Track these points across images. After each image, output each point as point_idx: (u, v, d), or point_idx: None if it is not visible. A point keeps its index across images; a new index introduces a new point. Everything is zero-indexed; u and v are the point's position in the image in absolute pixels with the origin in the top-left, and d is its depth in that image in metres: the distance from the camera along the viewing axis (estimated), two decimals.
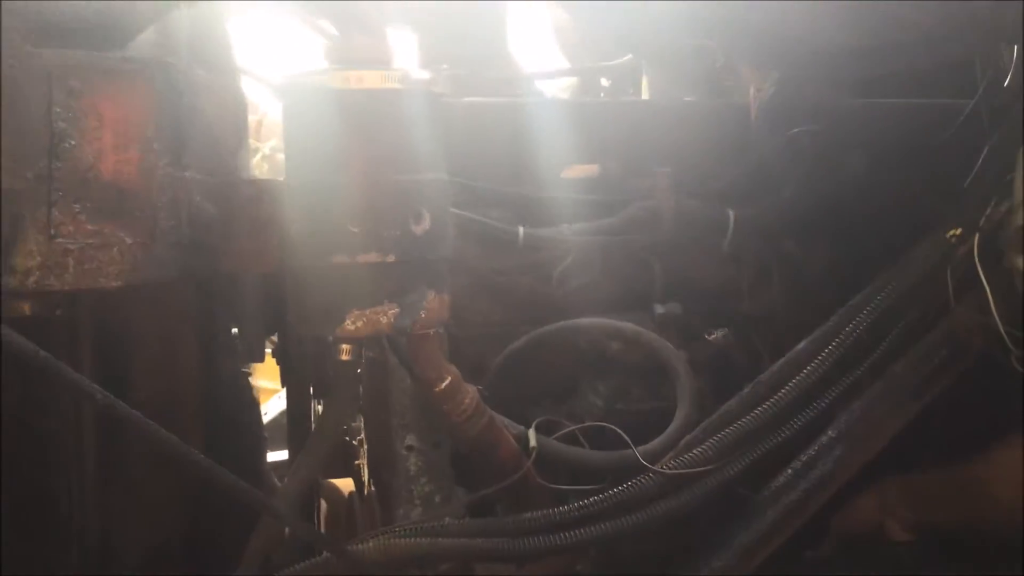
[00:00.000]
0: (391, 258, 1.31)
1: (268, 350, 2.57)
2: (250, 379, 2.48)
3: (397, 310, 1.32)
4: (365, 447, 2.34)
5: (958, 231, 1.55)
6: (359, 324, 1.31)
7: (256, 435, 2.26)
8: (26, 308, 1.20)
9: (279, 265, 1.40)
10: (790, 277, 2.10)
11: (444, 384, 1.46)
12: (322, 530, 2.27)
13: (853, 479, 1.67)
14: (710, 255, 2.08)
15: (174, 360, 1.61)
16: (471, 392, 1.50)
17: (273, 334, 2.29)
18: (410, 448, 1.78)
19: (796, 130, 2.04)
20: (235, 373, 2.16)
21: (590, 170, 2.09)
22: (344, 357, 1.42)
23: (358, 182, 1.29)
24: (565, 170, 2.09)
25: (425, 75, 1.33)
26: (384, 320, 1.32)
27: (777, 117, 2.09)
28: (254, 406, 2.31)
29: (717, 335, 2.01)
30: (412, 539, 1.46)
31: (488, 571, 1.59)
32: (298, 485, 1.41)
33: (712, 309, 2.06)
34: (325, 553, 1.45)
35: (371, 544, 1.46)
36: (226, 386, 2.06)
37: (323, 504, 2.30)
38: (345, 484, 2.42)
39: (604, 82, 2.84)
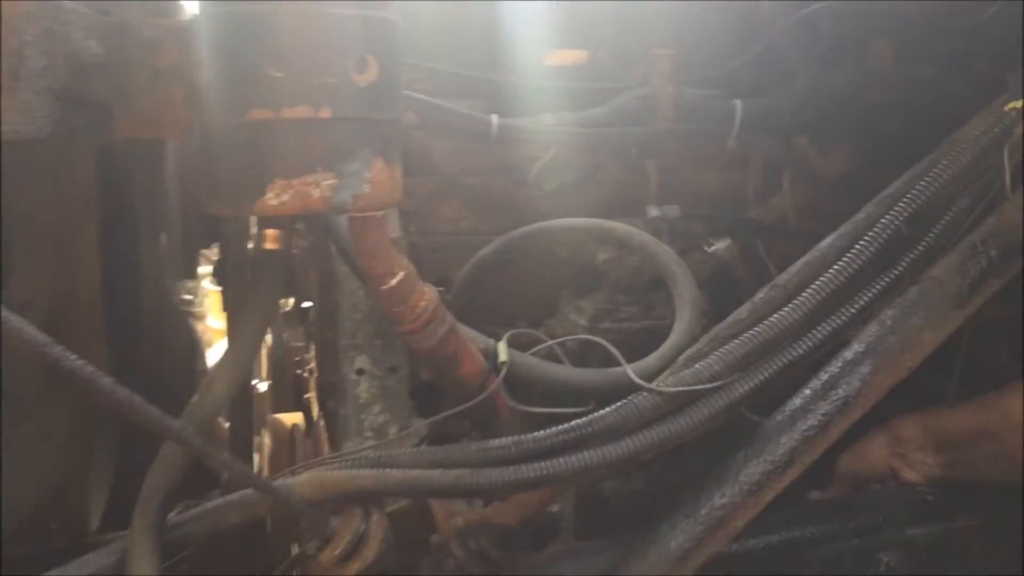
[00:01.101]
0: (325, 113, 1.03)
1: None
2: (187, 307, 2.22)
3: (334, 181, 1.05)
4: (315, 375, 2.10)
5: (1019, 103, 1.28)
6: (284, 198, 1.04)
7: (190, 370, 2.01)
8: None
9: (186, 129, 1.12)
10: (803, 181, 1.84)
11: (395, 280, 1.19)
12: (264, 470, 2.02)
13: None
14: (712, 153, 1.81)
15: (67, 255, 1.33)
16: (429, 293, 1.24)
17: (212, 244, 2.01)
18: (361, 372, 1.53)
19: (812, 7, 1.76)
20: (160, 289, 1.89)
21: (577, 56, 1.81)
22: (269, 244, 1.16)
23: (283, 11, 1.01)
24: (548, 56, 1.81)
25: None
26: (316, 193, 1.04)
27: None
28: (186, 335, 2.05)
29: (718, 246, 1.76)
30: (353, 471, 1.20)
31: (446, 510, 1.34)
32: (210, 405, 1.15)
33: (714, 216, 1.80)
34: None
35: (303, 477, 1.20)
36: (147, 302, 1.79)
37: (267, 441, 2.05)
38: (295, 419, 2.17)
39: None
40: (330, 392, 1.69)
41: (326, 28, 1.02)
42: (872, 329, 1.32)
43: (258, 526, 1.39)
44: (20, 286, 1.28)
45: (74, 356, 0.98)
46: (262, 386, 2.53)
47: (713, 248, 1.76)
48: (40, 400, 1.34)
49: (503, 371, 1.32)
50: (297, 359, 2.48)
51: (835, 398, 1.30)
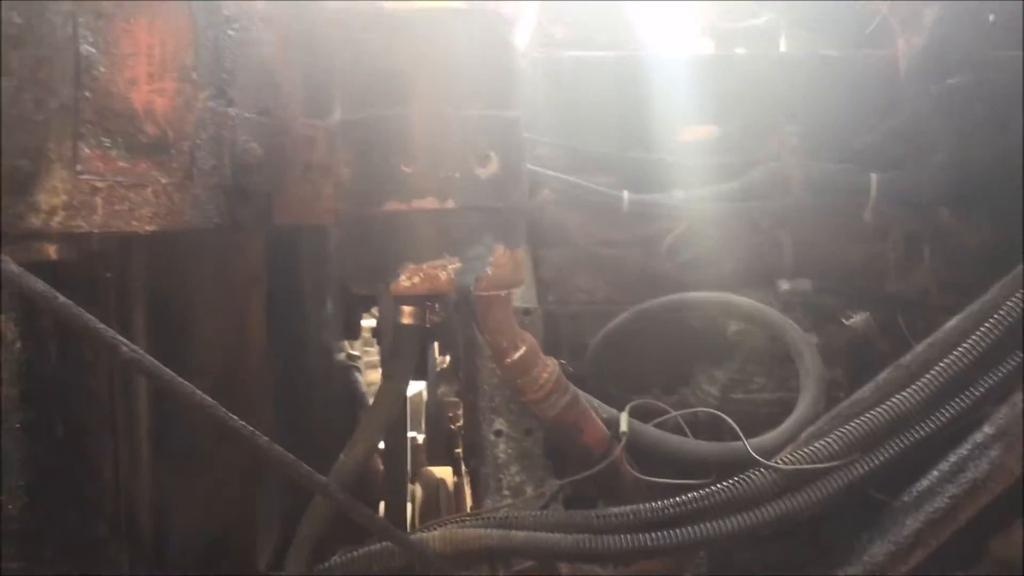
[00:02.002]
0: (450, 204, 1.14)
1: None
2: (355, 362, 2.39)
3: (459, 265, 1.15)
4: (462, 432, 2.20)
5: None
6: (415, 280, 1.15)
7: (352, 417, 2.16)
8: (52, 251, 1.09)
9: (334, 216, 1.26)
10: (944, 254, 1.80)
11: (517, 355, 1.27)
12: (417, 519, 2.13)
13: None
14: (849, 227, 1.81)
15: (238, 325, 1.49)
16: (550, 366, 1.31)
17: (372, 308, 2.18)
18: (499, 433, 1.61)
19: (952, 81, 1.74)
20: (326, 349, 2.05)
21: (709, 132, 1.86)
22: (405, 320, 1.27)
23: (414, 117, 1.13)
24: (681, 132, 1.86)
25: None
26: (443, 276, 1.15)
27: (930, 69, 1.80)
28: (351, 388, 2.20)
29: (856, 319, 1.75)
30: (482, 530, 1.28)
31: (575, 571, 1.40)
32: (353, 463, 1.26)
33: (851, 289, 1.79)
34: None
35: (437, 533, 1.29)
36: (312, 359, 1.96)
37: (418, 492, 2.17)
38: (444, 473, 2.28)
39: (740, 52, 2.60)
40: (472, 451, 1.78)
41: (451, 128, 1.14)
42: (1003, 412, 1.30)
43: None
44: (196, 354, 1.45)
45: (235, 418, 1.11)
46: (419, 438, 2.67)
47: (851, 322, 1.75)
48: (213, 451, 1.49)
49: (623, 441, 1.37)
50: (451, 414, 2.60)
51: (963, 481, 1.28)
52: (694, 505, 1.27)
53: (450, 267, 1.15)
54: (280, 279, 1.76)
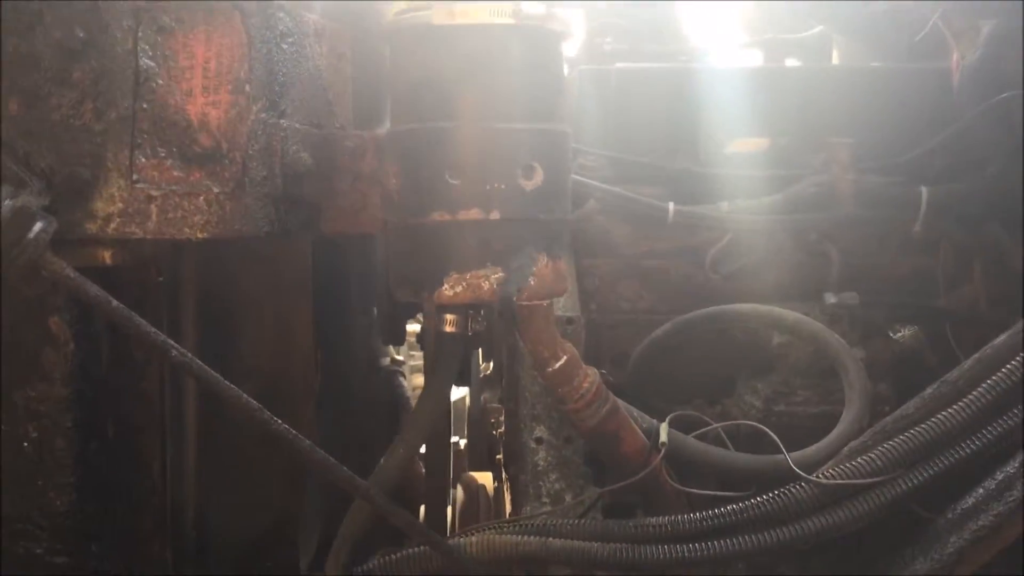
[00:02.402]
0: (495, 215, 1.16)
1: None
2: (399, 367, 2.42)
3: (501, 275, 1.17)
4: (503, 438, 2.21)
5: None
6: (458, 289, 1.17)
7: (395, 420, 2.18)
8: (106, 256, 1.13)
9: (381, 225, 1.29)
10: (996, 269, 1.77)
11: (558, 364, 1.29)
12: (457, 523, 2.15)
13: None
14: (898, 240, 1.79)
15: (285, 330, 1.53)
16: (591, 375, 1.32)
17: (417, 314, 2.20)
18: (539, 441, 1.63)
19: (1008, 94, 1.72)
20: (371, 354, 2.09)
21: (759, 144, 1.85)
22: (448, 328, 1.29)
23: (460, 129, 1.15)
24: (730, 144, 1.86)
25: (541, 9, 1.17)
26: (486, 286, 1.17)
27: (984, 82, 1.78)
28: (395, 392, 2.23)
29: (904, 333, 1.73)
30: (520, 537, 1.30)
31: None
32: (394, 467, 1.28)
33: (900, 303, 1.78)
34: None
35: (475, 538, 1.31)
36: (359, 363, 1.99)
37: (459, 497, 2.19)
38: (485, 478, 2.30)
39: (791, 62, 2.59)
40: (512, 457, 1.80)
41: (497, 141, 1.15)
42: None
43: None
44: (243, 358, 1.48)
45: (278, 420, 1.13)
46: (462, 443, 2.69)
47: (898, 336, 1.73)
48: (258, 453, 1.53)
49: (663, 451, 1.37)
50: (493, 420, 2.61)
51: (1009, 499, 1.27)
52: (733, 518, 1.27)
53: (493, 277, 1.17)
54: (327, 286, 1.79)
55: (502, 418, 2.56)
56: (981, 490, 1.29)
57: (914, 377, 1.78)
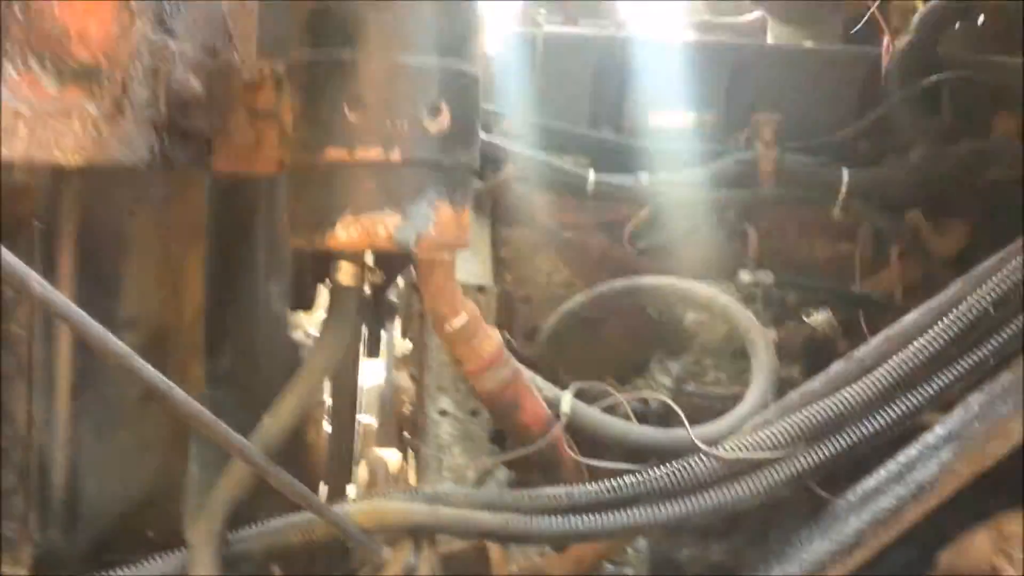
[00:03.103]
0: (396, 156, 1.08)
1: None
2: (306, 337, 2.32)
3: (399, 220, 1.10)
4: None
5: None
6: (352, 232, 1.09)
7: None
8: None
9: (280, 166, 1.21)
10: (914, 257, 1.76)
11: (458, 322, 1.22)
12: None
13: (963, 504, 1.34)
14: (818, 223, 1.77)
15: (173, 279, 1.43)
16: (493, 337, 1.26)
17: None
18: (443, 413, 1.57)
19: (935, 77, 1.71)
20: (276, 318, 1.99)
21: (684, 118, 1.82)
22: (342, 278, 1.21)
23: (363, 61, 1.08)
24: (655, 117, 1.82)
25: None
26: (382, 231, 1.09)
27: (912, 68, 1.77)
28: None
29: (817, 316, 1.71)
30: (409, 505, 1.23)
31: (503, 556, 1.35)
32: (277, 428, 1.20)
33: (815, 286, 1.76)
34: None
35: (361, 505, 1.24)
36: (261, 328, 1.90)
37: (363, 474, 2.11)
38: (393, 455, 2.23)
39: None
40: (414, 431, 1.73)
41: (403, 77, 1.08)
42: (957, 414, 1.25)
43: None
44: (127, 304, 1.39)
45: (148, 366, 1.05)
46: (367, 419, 2.61)
47: (811, 319, 1.71)
48: (137, 409, 1.43)
49: (562, 421, 1.32)
50: (404, 399, 2.54)
51: (911, 482, 1.24)
52: (630, 490, 1.22)
53: (390, 221, 1.09)
54: (229, 235, 1.70)
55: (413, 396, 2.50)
56: (883, 472, 1.26)
57: (825, 362, 1.77)
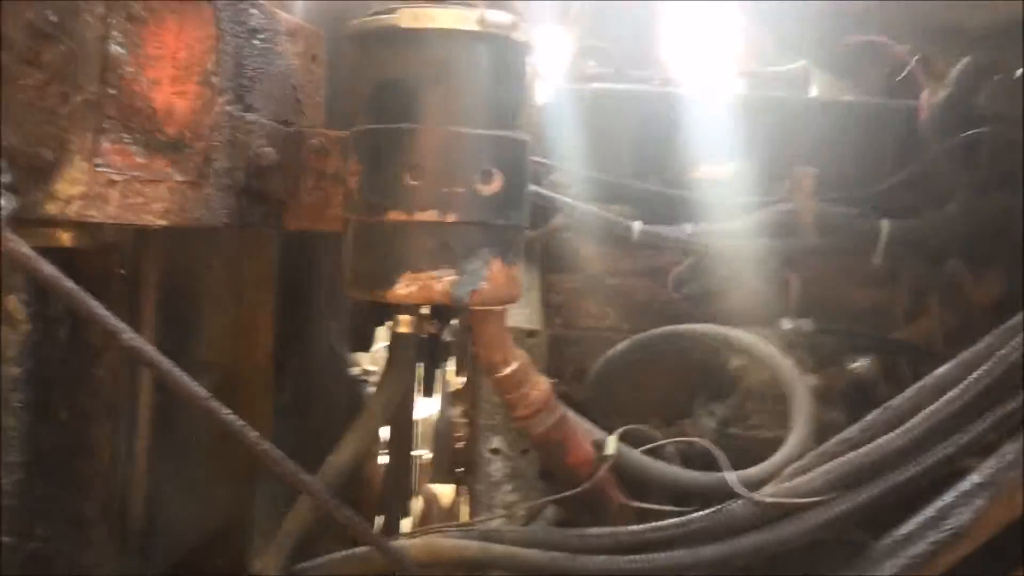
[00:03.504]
0: (451, 218, 1.18)
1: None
2: (365, 375, 2.42)
3: (455, 277, 1.19)
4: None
5: None
6: (412, 289, 1.19)
7: None
8: (66, 239, 1.15)
9: (344, 224, 1.31)
10: (953, 305, 1.80)
11: (509, 370, 1.30)
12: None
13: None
14: (858, 271, 1.82)
15: (245, 326, 1.54)
16: (542, 384, 1.34)
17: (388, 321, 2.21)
18: (495, 452, 1.64)
19: (972, 131, 1.75)
20: (337, 360, 2.09)
21: (726, 170, 1.88)
22: (401, 328, 1.31)
23: (422, 131, 1.17)
24: (697, 169, 1.89)
25: (507, 18, 1.20)
26: (439, 287, 1.19)
27: (950, 121, 1.82)
28: (361, 404, 2.24)
29: (859, 364, 1.75)
30: (461, 542, 1.31)
31: None
32: (339, 465, 1.30)
33: (857, 333, 1.80)
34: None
35: (417, 540, 1.32)
36: (322, 373, 2.00)
37: (418, 507, 2.19)
38: (448, 490, 2.30)
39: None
40: (469, 468, 1.81)
41: (457, 145, 1.18)
42: (991, 462, 1.30)
43: None
44: (203, 348, 1.49)
45: (223, 408, 1.14)
46: (426, 455, 2.69)
47: (853, 366, 1.75)
48: (212, 446, 1.53)
49: (608, 463, 1.39)
50: (458, 434, 2.62)
51: (946, 528, 1.29)
52: (672, 531, 1.28)
53: (446, 279, 1.19)
54: (295, 284, 1.80)
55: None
56: (920, 517, 1.31)
57: (867, 408, 1.81)
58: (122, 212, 1.14)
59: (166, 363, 1.12)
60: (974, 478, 1.30)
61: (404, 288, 1.19)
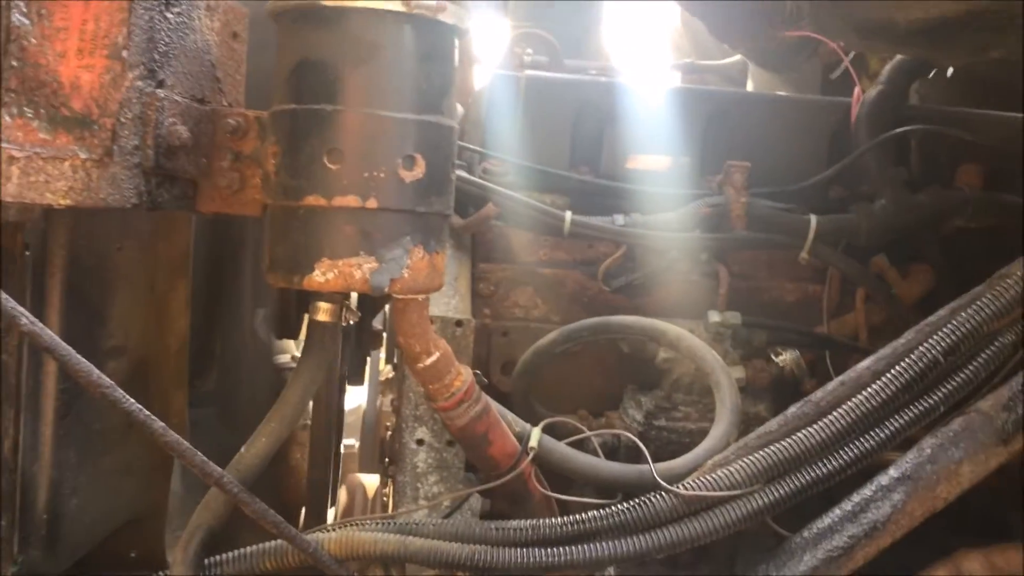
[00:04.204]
0: (372, 204, 1.14)
1: None
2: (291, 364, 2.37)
3: (375, 265, 1.15)
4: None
5: None
6: (330, 276, 1.15)
7: None
8: None
9: (263, 209, 1.26)
10: (879, 301, 1.82)
11: (430, 360, 1.27)
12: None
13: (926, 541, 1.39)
14: (787, 265, 1.83)
15: (158, 311, 1.49)
16: (463, 374, 1.31)
17: None
18: (420, 442, 1.61)
19: (900, 129, 1.77)
20: (263, 348, 2.05)
21: (660, 161, 1.87)
22: (320, 317, 1.27)
23: (343, 113, 1.14)
24: (632, 160, 1.88)
25: (435, 1, 1.16)
26: (358, 275, 1.15)
27: (882, 117, 1.83)
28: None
29: (785, 356, 1.76)
30: (379, 535, 1.28)
31: None
32: (253, 457, 1.25)
33: (783, 327, 1.81)
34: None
35: (333, 534, 1.28)
36: (246, 356, 1.95)
37: (342, 497, 2.15)
38: (373, 481, 2.27)
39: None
40: (392, 459, 1.78)
41: (380, 129, 1.14)
42: (910, 457, 1.31)
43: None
44: (112, 334, 1.44)
45: (128, 397, 1.09)
46: (350, 443, 2.66)
47: (779, 359, 1.76)
48: (122, 435, 1.48)
49: (530, 456, 1.37)
50: (387, 424, 2.59)
51: (864, 521, 1.29)
52: (592, 524, 1.27)
53: (366, 266, 1.15)
54: (218, 268, 1.75)
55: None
56: (838, 511, 1.31)
57: (791, 401, 1.82)
58: (23, 190, 1.08)
59: (65, 349, 1.07)
60: (892, 472, 1.31)
61: (322, 275, 1.15)
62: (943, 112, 1.87)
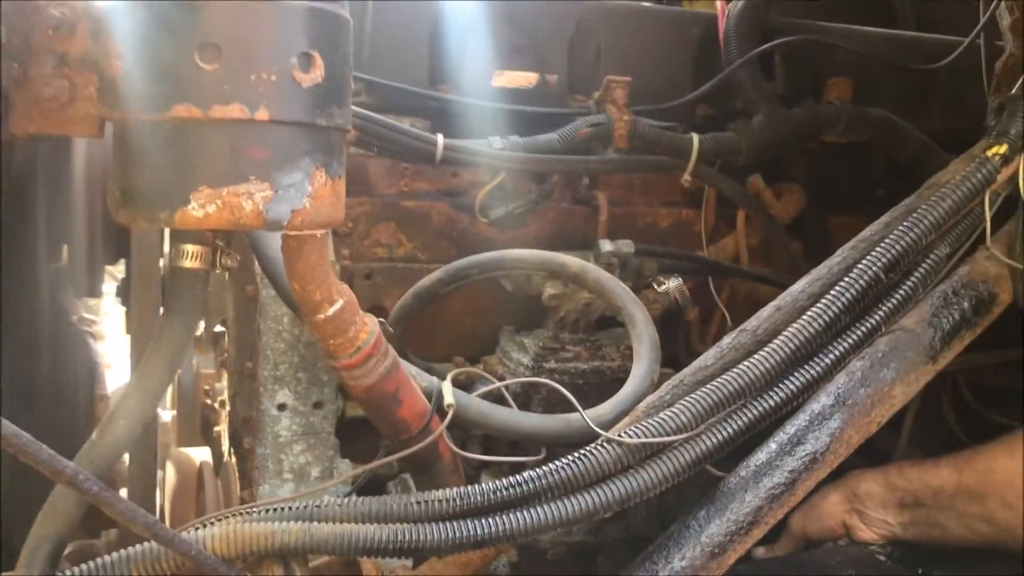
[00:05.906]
0: (262, 115, 0.89)
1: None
2: (87, 326, 2.03)
3: (269, 193, 0.91)
4: (227, 408, 1.92)
5: (1002, 148, 1.22)
6: (210, 210, 0.89)
7: (89, 395, 1.82)
8: None
9: (99, 126, 0.97)
10: (759, 222, 1.76)
11: (333, 309, 1.05)
12: (166, 509, 1.83)
13: None
14: (665, 187, 1.73)
15: None
16: (370, 325, 1.10)
17: (119, 260, 1.83)
18: (282, 407, 1.38)
19: (771, 43, 1.70)
20: (57, 306, 1.70)
21: (526, 78, 1.70)
22: (187, 263, 1.01)
23: None
24: (496, 76, 1.69)
25: None
26: (248, 206, 0.90)
27: (751, 32, 1.75)
28: (86, 357, 1.86)
29: (669, 284, 1.66)
30: (276, 526, 1.05)
31: (377, 567, 1.20)
32: (110, 446, 0.99)
33: (665, 253, 1.71)
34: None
35: (217, 530, 1.04)
36: (43, 319, 1.61)
37: (171, 477, 1.86)
38: (202, 454, 1.99)
39: None
40: (246, 428, 1.53)
41: (268, 18, 0.89)
42: (841, 381, 1.23)
43: None
44: None
45: None
46: (166, 415, 2.33)
47: (663, 287, 1.66)
48: None
49: (449, 415, 1.18)
50: (207, 388, 2.29)
51: (803, 454, 1.21)
52: (532, 486, 1.10)
53: (258, 195, 0.91)
54: (6, 209, 1.41)
55: (219, 384, 2.25)
56: (773, 445, 1.22)
57: (674, 332, 1.74)
58: None
59: None
60: (824, 399, 1.23)
61: (200, 209, 0.89)
62: (808, 25, 1.82)
